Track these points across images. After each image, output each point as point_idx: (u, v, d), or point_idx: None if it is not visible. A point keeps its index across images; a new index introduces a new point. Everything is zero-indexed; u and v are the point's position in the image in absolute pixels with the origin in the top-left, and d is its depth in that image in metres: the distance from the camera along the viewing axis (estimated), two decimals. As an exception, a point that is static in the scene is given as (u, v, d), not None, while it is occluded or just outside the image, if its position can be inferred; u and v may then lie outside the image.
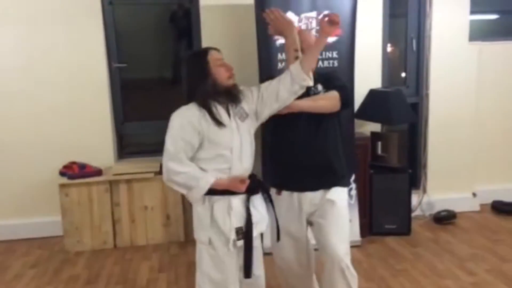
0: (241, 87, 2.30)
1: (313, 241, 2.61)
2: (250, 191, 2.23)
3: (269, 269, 3.48)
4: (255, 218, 2.22)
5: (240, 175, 2.21)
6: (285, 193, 2.49)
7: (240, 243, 2.19)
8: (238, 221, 2.19)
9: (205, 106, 2.16)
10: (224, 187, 2.17)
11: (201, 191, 2.16)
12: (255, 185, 2.26)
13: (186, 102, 2.23)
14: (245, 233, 2.18)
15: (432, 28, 4.34)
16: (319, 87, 2.43)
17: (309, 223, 2.56)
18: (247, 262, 2.20)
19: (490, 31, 4.92)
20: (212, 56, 2.19)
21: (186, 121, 2.14)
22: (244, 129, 2.24)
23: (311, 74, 2.28)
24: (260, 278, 2.39)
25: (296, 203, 2.47)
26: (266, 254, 3.63)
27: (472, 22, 4.43)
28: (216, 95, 2.17)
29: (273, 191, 2.51)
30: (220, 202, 2.20)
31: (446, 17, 4.32)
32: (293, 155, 2.45)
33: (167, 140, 2.17)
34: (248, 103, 2.29)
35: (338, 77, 2.57)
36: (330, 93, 2.42)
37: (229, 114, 2.21)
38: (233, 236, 2.17)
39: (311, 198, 2.46)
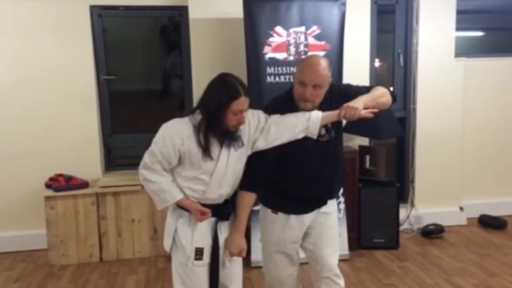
0: (248, 111, 2.20)
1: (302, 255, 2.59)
2: (220, 217, 2.22)
3: (258, 283, 3.47)
4: (220, 243, 2.22)
5: (213, 200, 2.18)
6: (281, 214, 2.44)
7: (198, 263, 2.17)
8: (201, 241, 2.18)
9: (202, 130, 2.10)
10: (186, 208, 2.17)
11: (164, 203, 2.17)
12: (227, 212, 2.24)
13: (182, 113, 2.22)
14: (212, 255, 2.19)
15: (419, 43, 4.41)
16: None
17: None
18: (212, 283, 2.22)
19: (476, 47, 5.01)
20: (238, 104, 2.08)
21: (169, 138, 2.10)
22: (234, 158, 2.17)
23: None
24: None
25: (296, 222, 2.42)
26: (255, 268, 3.65)
27: (458, 39, 4.51)
28: (214, 129, 2.10)
29: (267, 210, 2.47)
30: (185, 218, 2.20)
31: (433, 33, 4.40)
32: (300, 187, 2.37)
33: (148, 150, 2.15)
34: (249, 132, 2.22)
35: (351, 85, 2.50)
36: (379, 89, 2.35)
37: (222, 143, 2.15)
38: (192, 254, 2.17)
39: (310, 215, 2.44)
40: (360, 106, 2.19)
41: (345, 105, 2.19)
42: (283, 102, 2.38)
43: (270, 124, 2.24)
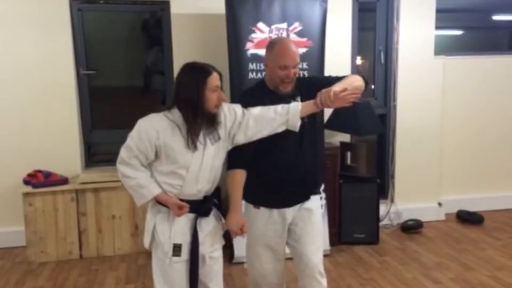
0: (224, 105, 2.23)
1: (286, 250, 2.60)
2: (200, 213, 2.22)
3: (239, 279, 3.48)
4: (200, 239, 2.21)
5: (192, 195, 2.18)
6: (263, 208, 2.45)
7: (176, 259, 2.17)
8: (179, 237, 2.18)
9: (187, 119, 2.11)
10: (164, 203, 2.17)
11: (143, 199, 2.16)
12: (206, 208, 2.24)
13: (165, 108, 2.19)
14: (191, 251, 2.18)
15: (399, 41, 4.46)
16: (299, 100, 2.38)
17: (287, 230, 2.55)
18: (192, 280, 2.21)
19: (455, 46, 5.09)
20: (212, 80, 2.12)
21: (145, 132, 2.10)
22: (210, 152, 2.17)
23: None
24: None
25: (278, 217, 2.43)
26: (237, 263, 3.66)
27: (438, 37, 4.58)
28: (196, 116, 2.11)
29: (250, 205, 2.47)
30: (164, 214, 2.19)
31: (413, 31, 4.46)
32: (279, 176, 2.38)
33: (124, 145, 2.15)
34: (225, 126, 2.22)
35: (325, 76, 2.55)
36: (352, 77, 2.39)
37: (198, 135, 2.15)
38: (170, 250, 2.16)
39: (292, 210, 2.45)
40: (335, 89, 2.19)
41: (320, 92, 2.22)
42: (257, 88, 2.44)
43: (248, 119, 2.24)
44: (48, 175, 3.89)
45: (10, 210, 3.99)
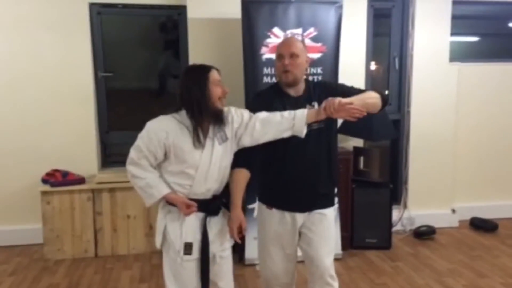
0: (232, 108, 2.29)
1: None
2: (209, 212, 2.25)
3: (251, 280, 3.51)
4: (210, 238, 2.24)
5: (201, 194, 2.21)
6: (275, 210, 2.47)
7: (187, 258, 2.21)
8: (190, 236, 2.21)
9: (193, 119, 2.16)
10: (172, 202, 2.21)
11: (152, 199, 2.19)
12: (215, 207, 2.28)
13: (173, 110, 2.25)
14: (201, 250, 2.22)
15: (414, 47, 4.47)
16: (315, 106, 2.39)
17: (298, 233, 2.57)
18: (203, 278, 2.24)
19: (470, 53, 5.07)
20: (213, 74, 2.20)
21: (154, 133, 2.15)
22: (218, 152, 2.21)
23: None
24: None
25: (290, 219, 2.45)
26: (249, 265, 3.69)
27: (453, 44, 4.57)
28: (204, 113, 2.17)
29: (263, 206, 2.51)
30: (174, 214, 2.23)
31: (428, 37, 4.46)
32: (295, 182, 2.39)
33: (133, 145, 2.20)
34: (232, 127, 2.26)
35: (343, 84, 2.54)
36: (369, 93, 2.35)
37: (206, 135, 2.20)
38: (181, 249, 2.20)
39: (303, 214, 2.46)
40: (341, 99, 2.17)
41: (326, 99, 2.22)
42: (269, 91, 2.48)
43: (255, 122, 2.27)
44: (65, 174, 3.98)
45: (28, 208, 4.08)
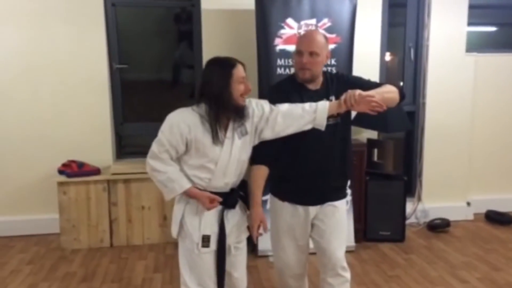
0: (252, 101, 2.27)
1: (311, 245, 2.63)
2: (227, 205, 2.26)
3: (264, 271, 3.53)
4: (227, 230, 2.26)
5: (219, 188, 2.22)
6: (287, 203, 2.47)
7: (205, 250, 2.22)
8: (208, 229, 2.23)
9: (212, 115, 2.14)
10: (194, 196, 2.21)
11: (173, 193, 2.20)
12: (233, 200, 2.28)
13: (192, 102, 2.23)
14: (218, 242, 2.23)
15: (430, 38, 4.40)
16: (333, 99, 2.37)
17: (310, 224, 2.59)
18: (219, 270, 2.26)
19: (488, 43, 4.99)
20: (238, 70, 2.15)
21: (176, 126, 2.13)
22: (238, 146, 2.21)
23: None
24: (238, 280, 2.41)
25: (302, 211, 2.46)
26: (262, 256, 3.72)
27: (470, 34, 4.50)
28: (224, 109, 2.14)
29: (275, 198, 2.52)
30: (192, 205, 2.24)
31: (444, 27, 4.39)
32: (310, 176, 2.39)
33: (155, 139, 2.19)
34: (253, 121, 2.24)
35: (360, 77, 2.51)
36: (387, 87, 2.33)
37: (226, 129, 2.19)
38: (199, 241, 2.21)
39: (315, 207, 2.47)
40: (361, 92, 2.16)
41: (346, 91, 2.20)
42: (286, 83, 2.45)
43: (276, 115, 2.25)
44: (81, 165, 4.03)
45: (45, 199, 4.14)
